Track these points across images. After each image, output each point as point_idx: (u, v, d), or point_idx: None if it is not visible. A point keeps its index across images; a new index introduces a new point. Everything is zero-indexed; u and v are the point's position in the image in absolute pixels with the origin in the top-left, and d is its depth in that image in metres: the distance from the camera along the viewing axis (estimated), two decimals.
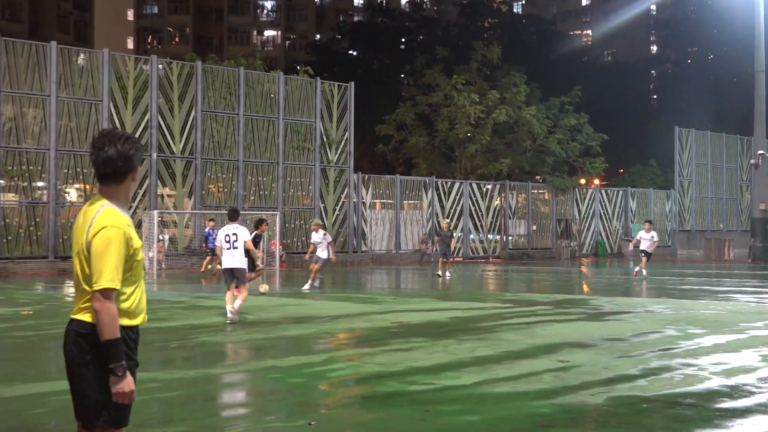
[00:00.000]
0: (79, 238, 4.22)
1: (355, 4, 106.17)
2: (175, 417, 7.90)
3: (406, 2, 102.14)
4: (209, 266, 30.79)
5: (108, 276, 4.04)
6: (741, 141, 61.64)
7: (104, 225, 4.11)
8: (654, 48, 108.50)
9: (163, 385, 9.12)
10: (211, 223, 30.80)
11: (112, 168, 4.21)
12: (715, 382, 9.05)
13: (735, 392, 8.54)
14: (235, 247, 15.12)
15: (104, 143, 4.21)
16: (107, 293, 4.04)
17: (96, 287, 4.04)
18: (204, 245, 32.23)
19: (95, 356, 4.10)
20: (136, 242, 4.25)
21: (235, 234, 15.19)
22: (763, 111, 45.08)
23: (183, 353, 11.48)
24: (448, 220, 40.30)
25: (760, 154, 44.57)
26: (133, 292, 4.26)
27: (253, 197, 38.10)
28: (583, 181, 56.22)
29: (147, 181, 34.84)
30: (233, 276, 15.13)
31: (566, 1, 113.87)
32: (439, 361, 10.55)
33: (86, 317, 4.15)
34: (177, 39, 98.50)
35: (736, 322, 14.88)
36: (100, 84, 33.76)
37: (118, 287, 4.08)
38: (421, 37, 76.15)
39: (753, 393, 8.51)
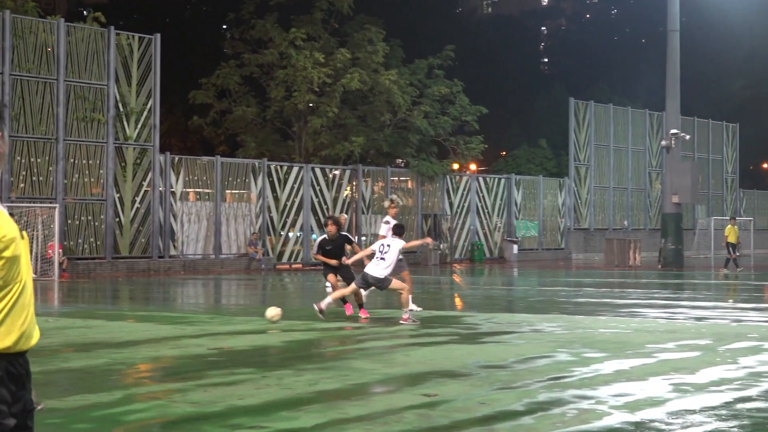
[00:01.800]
0: None
1: None
2: None
3: None
4: None
5: None
6: (651, 117, 64.10)
7: None
8: None
9: None
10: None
11: None
12: (616, 418, 9.34)
13: (640, 429, 8.84)
14: (383, 259, 18.74)
15: None
16: None
17: None
18: None
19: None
20: (6, 231, 3.89)
21: (389, 245, 18.99)
22: (677, 80, 46.82)
23: None
24: (346, 215, 39.82)
25: (673, 134, 46.15)
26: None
27: (22, 184, 37.13)
28: (456, 166, 57.20)
29: None
30: (365, 281, 18.83)
31: None
32: (271, 397, 10.54)
33: None
34: None
35: (643, 343, 15.42)
36: None
37: (19, 282, 3.80)
38: None
39: (662, 431, 8.86)
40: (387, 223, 21.57)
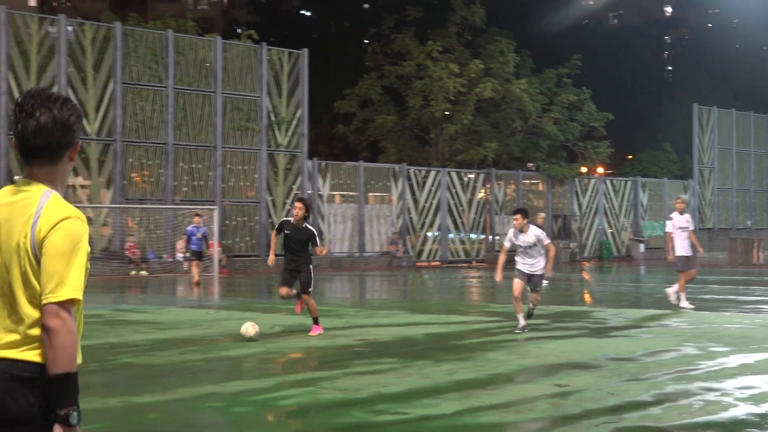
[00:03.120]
0: (11, 236, 3.54)
1: None
2: None
3: None
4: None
5: (74, 284, 3.44)
6: None
7: (66, 215, 3.49)
8: (668, 10, 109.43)
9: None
10: (198, 219, 29.95)
11: (47, 141, 3.55)
12: (741, 410, 9.15)
13: (765, 421, 8.64)
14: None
15: (34, 106, 3.54)
16: (70, 307, 3.42)
17: (55, 298, 3.39)
18: (185, 248, 31.63)
19: (49, 412, 3.43)
20: (88, 247, 3.68)
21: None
22: None
23: (102, 378, 11.42)
24: (544, 214, 38.46)
25: None
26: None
27: (185, 188, 37.97)
28: (584, 169, 56.54)
29: None
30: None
31: None
32: (412, 385, 10.59)
33: (29, 354, 3.46)
34: None
35: (767, 338, 15.07)
36: None
37: (82, 300, 3.50)
38: None
39: None
40: (670, 219, 21.10)
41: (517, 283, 16.36)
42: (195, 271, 29.23)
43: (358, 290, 30.42)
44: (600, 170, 62.95)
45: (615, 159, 69.14)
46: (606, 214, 54.33)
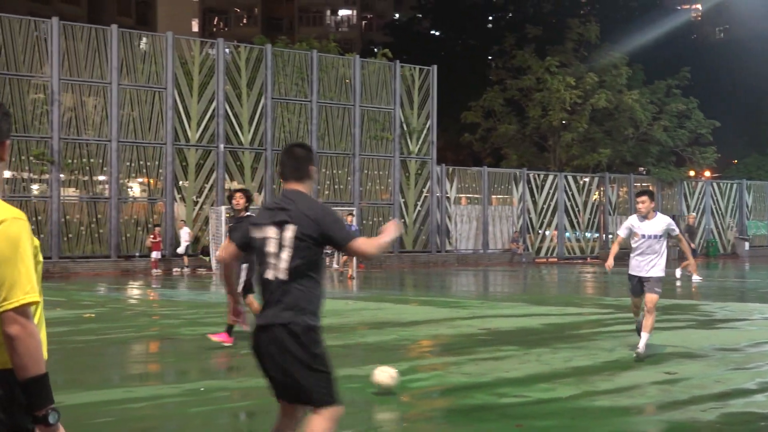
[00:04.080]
0: None
1: None
2: (245, 429, 8.04)
3: None
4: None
5: (26, 287, 3.15)
6: None
7: (2, 218, 3.18)
8: None
9: (232, 394, 9.27)
10: (350, 219, 30.30)
11: None
12: None
13: None
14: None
15: None
16: (27, 311, 3.15)
17: (11, 305, 3.11)
18: None
19: (15, 422, 3.20)
20: (35, 240, 3.34)
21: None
22: None
23: (254, 361, 11.60)
24: (695, 214, 36.17)
25: None
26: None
27: (327, 191, 38.39)
28: (692, 173, 55.29)
29: (214, 174, 35.41)
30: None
31: None
32: (531, 371, 10.51)
33: None
34: (245, 20, 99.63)
35: None
36: (164, 70, 34.41)
37: (39, 300, 3.23)
38: (511, 15, 75.56)
39: None
40: None
41: (634, 303, 12.44)
42: (350, 266, 30.04)
43: (482, 284, 30.30)
44: (707, 174, 61.42)
45: (721, 163, 67.33)
46: (712, 214, 53.02)
